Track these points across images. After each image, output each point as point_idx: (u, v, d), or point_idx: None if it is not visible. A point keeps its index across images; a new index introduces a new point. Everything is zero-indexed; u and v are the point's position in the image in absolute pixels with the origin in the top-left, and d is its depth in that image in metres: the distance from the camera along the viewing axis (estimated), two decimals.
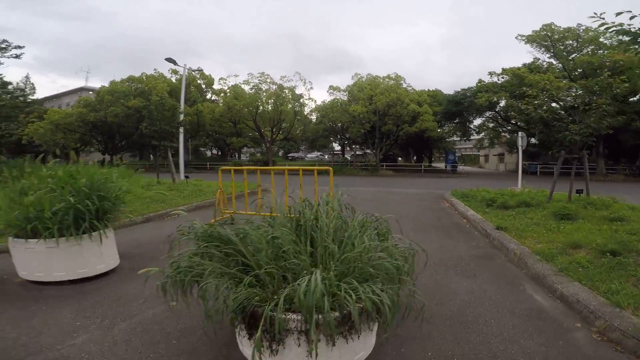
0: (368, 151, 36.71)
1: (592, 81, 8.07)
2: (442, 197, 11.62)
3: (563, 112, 9.34)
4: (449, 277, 4.08)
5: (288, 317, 1.70)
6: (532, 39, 26.92)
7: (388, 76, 30.34)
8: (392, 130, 29.00)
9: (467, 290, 3.67)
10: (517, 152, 13.35)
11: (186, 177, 13.84)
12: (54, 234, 3.63)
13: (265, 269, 1.79)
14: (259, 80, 30.71)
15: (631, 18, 3.74)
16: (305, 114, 34.47)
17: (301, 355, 1.88)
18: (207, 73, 37.01)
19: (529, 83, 18.67)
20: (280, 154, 53.76)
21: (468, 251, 5.22)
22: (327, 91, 38.66)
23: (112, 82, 33.17)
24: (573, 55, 26.08)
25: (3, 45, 26.11)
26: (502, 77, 27.70)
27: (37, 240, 3.65)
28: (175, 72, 32.79)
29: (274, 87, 30.61)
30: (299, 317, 1.73)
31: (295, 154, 53.48)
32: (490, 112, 30.56)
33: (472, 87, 29.25)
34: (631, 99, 23.16)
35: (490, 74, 28.27)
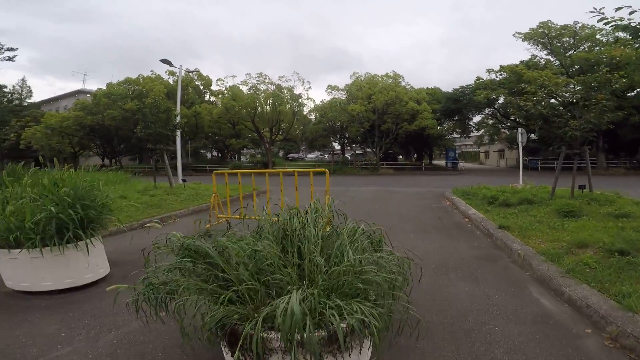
0: (368, 150, 36.58)
1: (590, 77, 8.01)
2: (443, 196, 11.51)
3: (562, 108, 9.25)
4: (450, 281, 3.93)
5: (271, 336, 1.55)
6: (530, 37, 26.87)
7: (386, 75, 30.25)
8: (392, 129, 28.88)
9: (469, 295, 3.52)
10: (518, 148, 13.21)
11: (183, 180, 13.68)
12: (37, 244, 3.53)
13: (246, 284, 1.64)
14: (257, 80, 30.63)
15: (631, 13, 3.67)
16: (304, 114, 34.35)
17: None
18: (205, 74, 36.86)
19: (527, 80, 18.65)
20: (280, 154, 53.62)
21: (470, 252, 5.07)
22: (326, 90, 38.51)
23: (109, 85, 32.98)
24: (570, 52, 26.09)
25: None
26: (500, 74, 27.78)
27: (19, 250, 3.55)
28: (172, 73, 32.51)
29: (272, 87, 30.49)
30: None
31: (295, 155, 53.29)
32: (489, 109, 30.55)
33: (470, 85, 29.31)
34: (629, 94, 23.19)
35: (489, 71, 28.37)
